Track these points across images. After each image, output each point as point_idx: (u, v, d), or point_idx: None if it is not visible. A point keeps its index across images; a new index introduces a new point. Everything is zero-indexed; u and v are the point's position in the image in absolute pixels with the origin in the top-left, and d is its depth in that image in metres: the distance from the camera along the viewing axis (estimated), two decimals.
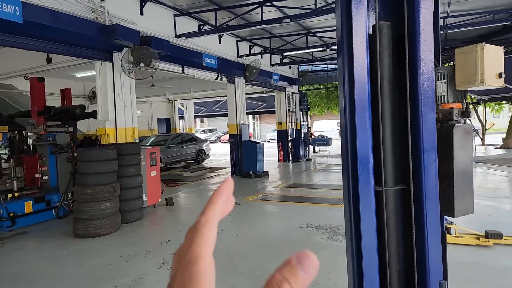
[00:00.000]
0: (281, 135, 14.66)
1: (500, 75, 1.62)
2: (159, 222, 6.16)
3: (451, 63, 1.74)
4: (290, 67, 14.63)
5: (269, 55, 12.42)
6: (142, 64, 6.66)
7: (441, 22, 8.70)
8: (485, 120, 19.16)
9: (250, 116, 35.52)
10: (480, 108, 19.02)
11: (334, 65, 14.99)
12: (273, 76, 12.65)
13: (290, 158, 14.62)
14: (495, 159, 12.61)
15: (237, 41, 10.79)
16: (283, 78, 13.49)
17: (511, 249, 4.04)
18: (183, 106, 19.52)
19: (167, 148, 13.14)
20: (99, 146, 6.92)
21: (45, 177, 6.72)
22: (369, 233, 1.42)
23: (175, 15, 8.14)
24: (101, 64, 6.68)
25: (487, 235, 4.17)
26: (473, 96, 17.11)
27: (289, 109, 14.65)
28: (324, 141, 17.34)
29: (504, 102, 16.24)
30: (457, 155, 1.64)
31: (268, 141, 28.92)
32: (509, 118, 17.34)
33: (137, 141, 7.05)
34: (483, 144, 17.73)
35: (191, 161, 14.86)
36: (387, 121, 1.49)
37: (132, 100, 7.06)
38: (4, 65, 9.13)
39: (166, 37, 7.67)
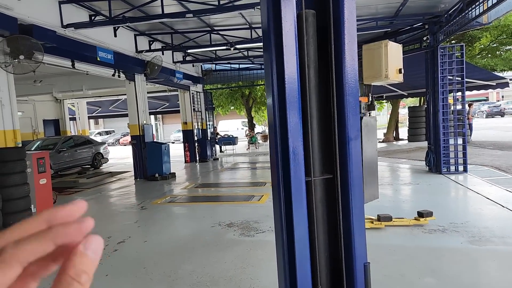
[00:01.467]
0: (187, 135, 14.33)
1: (400, 71, 1.80)
2: None
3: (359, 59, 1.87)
4: (193, 65, 14.37)
5: (171, 52, 11.95)
6: (22, 57, 5.71)
7: None
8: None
9: (152, 117, 33.92)
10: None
11: (237, 65, 15.27)
12: (176, 74, 12.23)
13: (197, 158, 14.39)
14: (378, 151, 14.48)
15: (135, 35, 10.10)
16: (186, 76, 13.17)
17: (399, 229, 4.60)
18: (74, 106, 17.48)
19: (57, 153, 11.59)
20: None
21: None
22: (301, 223, 1.41)
23: (60, 2, 7.18)
24: None
25: (379, 218, 4.69)
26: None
27: (194, 109, 14.40)
28: (231, 140, 17.59)
29: (384, 101, 18.77)
30: (365, 145, 1.77)
31: (173, 142, 28.02)
32: (388, 115, 20.15)
33: (20, 145, 6.03)
34: None
35: (87, 166, 13.44)
36: (314, 111, 1.47)
37: (12, 98, 6.01)
38: None
39: (51, 27, 6.72)
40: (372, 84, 1.86)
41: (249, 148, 18.92)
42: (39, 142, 12.33)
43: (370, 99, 1.89)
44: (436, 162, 8.55)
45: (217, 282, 3.33)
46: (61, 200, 7.35)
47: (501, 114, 32.23)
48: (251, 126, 22.05)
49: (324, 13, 1.48)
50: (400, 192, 6.90)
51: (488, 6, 6.25)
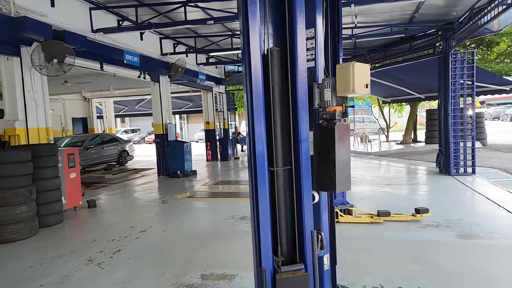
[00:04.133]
0: (209, 134, 14.85)
1: (366, 86, 2.17)
2: (82, 224, 5.94)
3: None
4: (216, 67, 14.87)
5: (194, 54, 12.50)
6: (55, 60, 6.30)
7: (349, 32, 9.80)
8: (389, 119, 21.76)
9: (177, 116, 34.89)
10: (386, 109, 21.53)
11: None
12: (199, 75, 12.76)
13: (219, 157, 14.89)
14: (395, 153, 14.52)
15: (161, 39, 10.69)
16: (209, 77, 13.68)
17: (396, 224, 4.95)
18: (101, 104, 18.42)
19: (85, 150, 12.39)
20: (7, 147, 6.35)
21: None
22: (264, 200, 1.93)
23: (90, 8, 7.80)
24: (7, 59, 6.15)
25: (379, 214, 5.04)
26: (379, 99, 19.40)
27: (216, 109, 14.90)
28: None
29: (404, 103, 18.66)
30: (338, 146, 2.13)
31: (197, 141, 28.78)
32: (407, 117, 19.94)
33: (52, 142, 6.64)
34: (387, 141, 20.15)
35: (113, 163, 14.20)
36: (278, 119, 2.01)
37: (45, 98, 6.62)
38: None
39: (82, 32, 7.33)
40: (344, 96, 2.23)
41: None
42: (68, 139, 13.19)
43: (344, 108, 2.25)
44: (445, 164, 8.63)
45: (225, 265, 3.75)
46: (89, 194, 7.97)
47: None
48: None
49: (286, 49, 2.04)
50: (407, 192, 7.13)
51: (491, 16, 6.39)
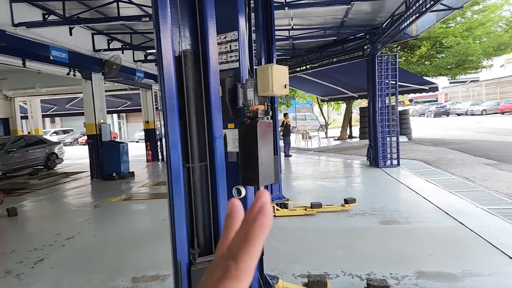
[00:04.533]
0: (149, 134, 14.37)
1: (285, 86, 2.30)
2: None
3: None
4: (156, 65, 14.39)
5: (131, 51, 11.99)
6: None
7: (287, 33, 10.12)
8: (328, 117, 22.89)
9: (115, 115, 33.11)
10: (325, 107, 22.62)
11: None
12: (136, 73, 12.26)
13: (159, 157, 14.46)
14: (333, 148, 15.32)
15: (93, 34, 10.08)
16: (148, 75, 13.21)
17: (327, 215, 5.28)
18: (26, 104, 16.82)
19: (6, 154, 11.25)
20: None
21: None
22: (178, 196, 1.97)
23: (11, 1, 7.12)
24: None
25: (312, 206, 5.33)
26: (318, 98, 20.32)
27: (157, 107, 14.44)
28: None
29: (340, 102, 19.75)
30: (260, 142, 2.23)
31: (137, 141, 27.60)
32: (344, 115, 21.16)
33: None
34: (326, 137, 21.17)
35: (40, 167, 13.10)
36: (193, 118, 2.06)
37: None
38: None
39: (1, 26, 6.66)
40: (265, 95, 2.33)
41: None
42: None
43: (266, 107, 2.35)
44: (375, 157, 9.36)
45: (159, 266, 3.69)
46: (9, 201, 7.26)
47: (447, 114, 34.77)
48: None
49: (199, 52, 2.11)
50: (340, 184, 7.61)
51: (408, 22, 7.08)
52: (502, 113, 30.39)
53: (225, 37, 2.50)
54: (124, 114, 34.31)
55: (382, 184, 7.40)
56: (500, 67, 43.67)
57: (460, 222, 4.56)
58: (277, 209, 5.30)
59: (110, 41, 10.80)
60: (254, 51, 4.08)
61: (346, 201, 5.39)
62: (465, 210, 5.11)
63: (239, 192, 2.61)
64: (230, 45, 2.50)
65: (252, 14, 5.33)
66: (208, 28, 2.02)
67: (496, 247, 3.74)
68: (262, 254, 2.88)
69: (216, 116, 2.06)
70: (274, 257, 3.76)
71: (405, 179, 7.60)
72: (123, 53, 11.25)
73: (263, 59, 5.15)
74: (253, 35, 8.93)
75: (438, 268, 3.35)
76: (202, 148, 2.06)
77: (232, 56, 2.53)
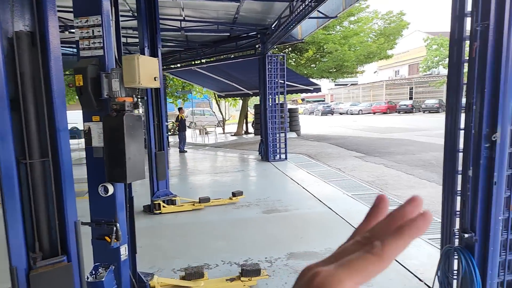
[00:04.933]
0: None
1: (155, 79, 2.24)
2: None
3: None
4: None
5: None
6: None
7: (178, 24, 9.88)
8: (226, 113, 23.28)
9: None
10: (223, 103, 22.91)
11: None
12: None
13: None
14: (229, 144, 15.68)
15: None
16: None
17: (216, 208, 5.40)
18: None
19: None
20: None
21: None
22: (11, 196, 1.75)
23: None
24: None
25: (200, 200, 5.36)
26: (215, 93, 20.46)
27: None
28: (75, 133, 15.98)
29: (237, 98, 20.27)
30: (128, 136, 2.14)
31: None
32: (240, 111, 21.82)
33: None
34: (224, 133, 21.52)
35: None
36: (31, 108, 1.82)
37: None
38: None
39: None
40: (132, 87, 2.24)
41: None
42: None
43: (135, 100, 2.27)
44: (265, 152, 9.94)
45: None
46: None
47: (331, 113, 39.10)
48: None
49: (36, 34, 1.84)
50: (231, 178, 7.85)
51: (292, 26, 7.70)
52: (374, 113, 35.54)
53: (87, 20, 2.31)
54: None
55: (270, 177, 7.89)
56: (373, 73, 51.07)
57: (329, 207, 5.18)
58: (163, 206, 5.18)
59: None
60: (132, 40, 3.88)
61: (234, 194, 5.58)
62: (335, 196, 5.83)
63: (105, 190, 2.46)
64: (93, 30, 2.32)
65: None
66: (46, 7, 1.82)
67: (354, 227, 4.36)
68: (135, 252, 2.78)
69: (59, 106, 1.87)
70: (154, 254, 3.67)
71: (290, 171, 8.26)
72: None
73: (146, 49, 4.93)
74: (133, 23, 8.45)
75: (306, 249, 3.74)
76: (43, 143, 1.86)
77: (95, 43, 2.35)
